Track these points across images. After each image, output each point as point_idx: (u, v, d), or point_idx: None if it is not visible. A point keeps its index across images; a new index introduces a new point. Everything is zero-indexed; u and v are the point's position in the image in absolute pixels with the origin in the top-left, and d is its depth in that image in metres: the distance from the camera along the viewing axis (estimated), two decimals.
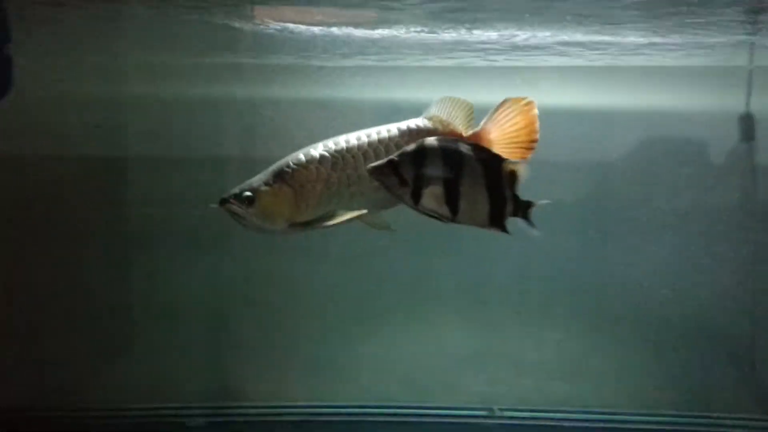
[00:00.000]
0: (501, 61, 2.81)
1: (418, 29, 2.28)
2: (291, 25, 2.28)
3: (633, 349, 2.66)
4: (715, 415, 2.49)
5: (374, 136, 1.40)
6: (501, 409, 2.45)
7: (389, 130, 1.42)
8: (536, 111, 1.39)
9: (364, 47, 2.59)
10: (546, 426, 2.34)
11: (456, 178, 1.30)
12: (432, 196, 1.30)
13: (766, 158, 2.62)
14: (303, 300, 2.65)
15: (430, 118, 1.44)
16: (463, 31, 2.29)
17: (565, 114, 2.74)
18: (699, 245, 2.65)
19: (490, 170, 1.31)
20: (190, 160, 2.72)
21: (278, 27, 2.31)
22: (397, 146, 1.39)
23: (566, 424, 2.36)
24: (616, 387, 2.61)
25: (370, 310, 2.69)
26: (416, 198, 1.30)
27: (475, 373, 2.67)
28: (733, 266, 2.64)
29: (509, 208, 1.32)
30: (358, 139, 1.40)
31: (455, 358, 2.68)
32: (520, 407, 2.46)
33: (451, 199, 1.31)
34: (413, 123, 1.44)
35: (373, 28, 2.27)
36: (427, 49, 2.68)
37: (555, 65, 2.81)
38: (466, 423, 2.36)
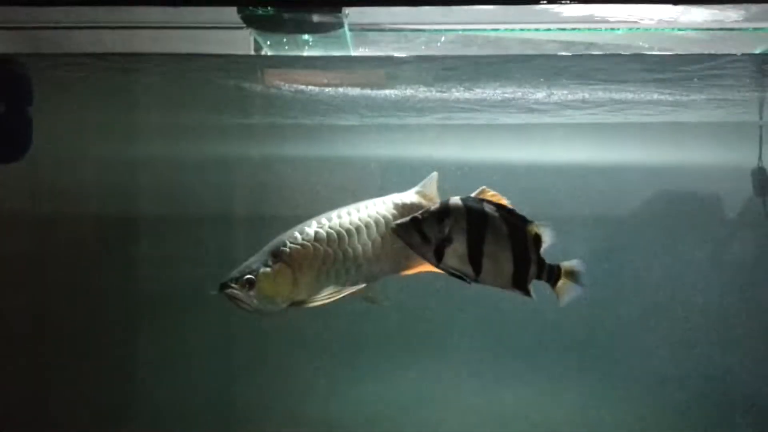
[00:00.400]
0: (514, 118, 2.85)
1: (428, 89, 2.32)
2: (302, 87, 2.32)
3: (650, 407, 2.59)
4: None
5: (365, 211, 1.43)
6: None
7: (379, 204, 1.45)
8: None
9: (374, 106, 2.63)
10: None
11: (480, 237, 1.30)
12: (455, 254, 1.30)
13: None
14: (309, 356, 2.62)
15: (419, 193, 1.47)
16: (476, 90, 2.32)
17: (579, 170, 2.76)
18: (715, 301, 2.62)
19: (515, 231, 1.31)
20: (203, 219, 2.74)
21: (289, 89, 2.35)
22: (387, 221, 1.41)
23: None
24: None
25: (379, 366, 2.65)
26: (439, 256, 1.30)
27: (487, 429, 2.62)
28: (753, 322, 2.59)
29: (533, 270, 1.32)
30: (350, 214, 1.42)
31: (466, 414, 2.62)
32: None
33: (475, 259, 1.30)
34: (402, 197, 1.47)
35: (382, 88, 2.31)
36: (441, 107, 2.72)
37: (568, 122, 2.83)
38: None
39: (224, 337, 2.61)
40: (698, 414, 2.57)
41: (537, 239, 1.32)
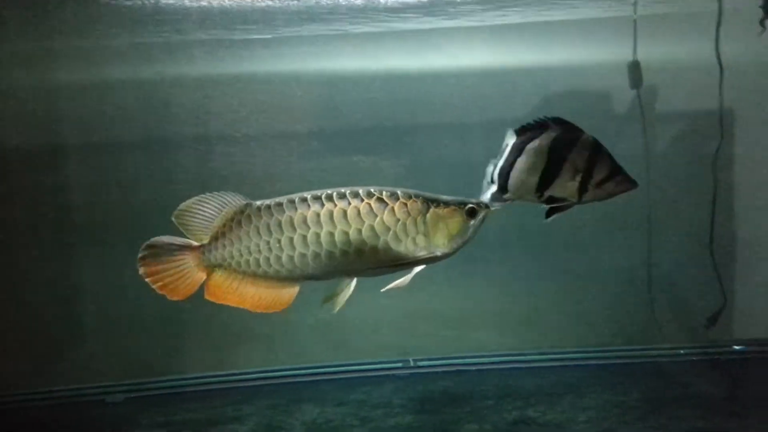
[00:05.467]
0: (410, 24, 2.87)
1: None
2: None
3: (542, 294, 2.80)
4: (622, 347, 2.66)
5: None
6: (416, 360, 2.58)
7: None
8: None
9: (274, 17, 2.62)
10: (455, 371, 2.47)
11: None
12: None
13: (654, 103, 2.75)
14: None
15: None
16: None
17: (470, 75, 2.83)
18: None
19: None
20: (108, 146, 2.74)
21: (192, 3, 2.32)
22: None
23: (473, 368, 2.49)
24: (527, 331, 2.76)
25: None
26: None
27: (397, 329, 2.79)
28: (632, 213, 2.77)
29: None
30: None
31: (381, 317, 2.78)
32: (433, 356, 2.59)
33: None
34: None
35: None
36: (334, 15, 2.72)
37: (453, 26, 2.87)
38: (382, 375, 2.47)
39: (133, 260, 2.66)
40: (590, 299, 2.79)
41: None
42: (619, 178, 1.42)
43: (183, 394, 2.36)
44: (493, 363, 2.53)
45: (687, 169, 2.77)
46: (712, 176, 2.66)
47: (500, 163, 1.47)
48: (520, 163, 1.45)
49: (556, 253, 2.80)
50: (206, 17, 2.66)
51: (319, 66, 2.90)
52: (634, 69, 2.71)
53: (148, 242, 1.40)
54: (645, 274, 2.73)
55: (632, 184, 1.44)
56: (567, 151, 1.41)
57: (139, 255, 1.39)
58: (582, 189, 1.42)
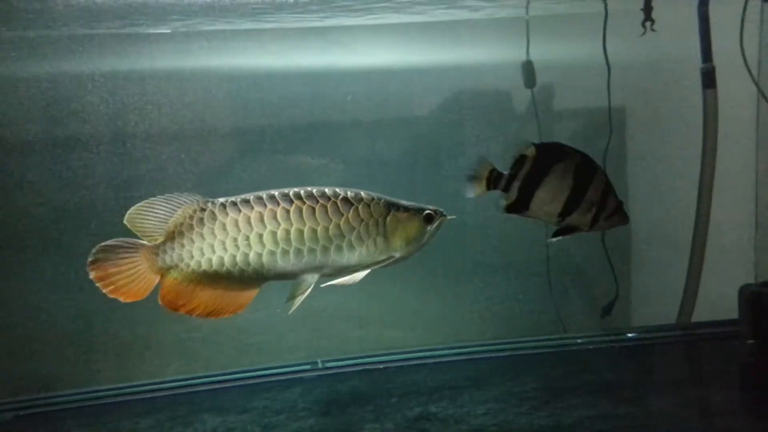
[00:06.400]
0: (316, 21, 2.86)
1: None
2: None
3: (449, 290, 2.86)
4: (523, 339, 2.74)
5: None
6: (324, 361, 2.57)
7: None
8: None
9: (159, 13, 2.56)
10: (363, 371, 2.47)
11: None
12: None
13: (547, 102, 2.86)
14: None
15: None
16: None
17: (374, 73, 2.85)
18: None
19: None
20: None
21: None
22: None
23: (381, 366, 2.50)
24: (435, 327, 2.81)
25: None
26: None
27: (309, 332, 2.78)
28: None
29: None
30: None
31: (291, 320, 2.75)
32: (342, 357, 2.59)
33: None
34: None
35: None
36: (242, 11, 2.68)
37: (356, 24, 2.88)
38: (289, 379, 2.45)
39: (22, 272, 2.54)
40: (495, 295, 2.86)
41: None
42: (622, 213, 1.53)
43: (79, 409, 2.25)
44: (401, 360, 2.55)
45: None
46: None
47: (522, 175, 1.49)
48: (547, 184, 1.48)
49: (462, 249, 2.87)
50: (109, 10, 2.57)
51: (221, 63, 2.86)
52: (528, 69, 2.80)
53: (100, 245, 1.35)
54: (544, 267, 2.83)
55: (627, 218, 1.55)
56: (587, 182, 1.47)
57: (90, 258, 1.34)
58: (594, 220, 1.49)
